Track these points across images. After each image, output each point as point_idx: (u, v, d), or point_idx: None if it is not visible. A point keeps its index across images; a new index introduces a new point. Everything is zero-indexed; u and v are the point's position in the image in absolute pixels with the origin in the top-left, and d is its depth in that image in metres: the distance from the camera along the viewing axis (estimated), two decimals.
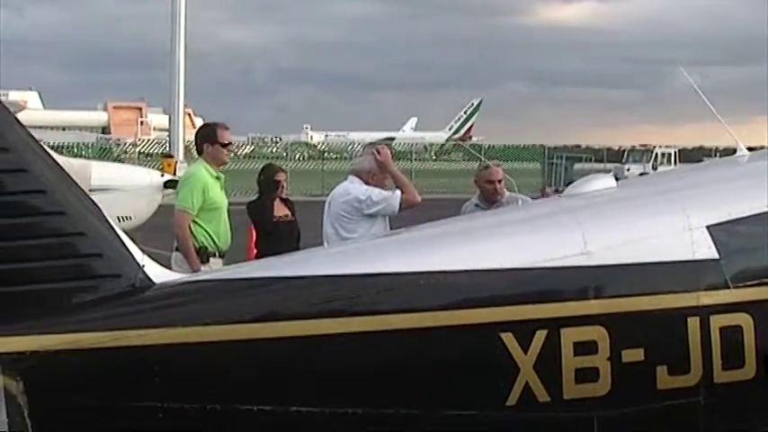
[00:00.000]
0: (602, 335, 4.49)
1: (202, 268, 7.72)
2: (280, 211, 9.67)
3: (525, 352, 4.40)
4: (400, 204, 7.77)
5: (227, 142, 8.50)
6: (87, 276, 4.23)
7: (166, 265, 4.99)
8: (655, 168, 52.31)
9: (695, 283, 4.64)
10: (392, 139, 74.12)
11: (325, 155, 60.96)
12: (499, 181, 8.32)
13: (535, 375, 4.40)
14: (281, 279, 4.43)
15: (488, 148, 56.49)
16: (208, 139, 8.38)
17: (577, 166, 57.41)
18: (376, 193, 7.84)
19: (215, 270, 4.74)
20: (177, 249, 8.16)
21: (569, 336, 4.46)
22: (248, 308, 4.27)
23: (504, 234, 4.87)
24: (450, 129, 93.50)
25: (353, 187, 8.00)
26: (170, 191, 16.13)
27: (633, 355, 4.53)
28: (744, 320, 4.65)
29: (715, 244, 4.69)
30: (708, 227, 4.71)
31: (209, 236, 8.11)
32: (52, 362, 4.02)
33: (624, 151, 58.09)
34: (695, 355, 4.58)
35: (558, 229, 4.75)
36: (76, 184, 4.37)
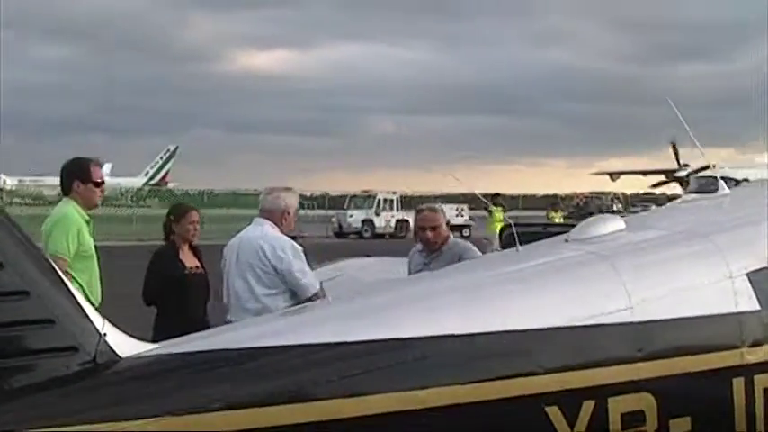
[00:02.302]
0: (650, 403, 3.84)
1: None
2: (190, 261, 8.23)
3: (572, 428, 3.68)
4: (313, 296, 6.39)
5: (100, 181, 7.21)
6: (35, 350, 3.16)
7: None
8: (377, 215, 50.89)
9: (738, 338, 4.08)
10: None
11: (24, 200, 58.89)
12: (433, 228, 7.15)
13: None
14: (292, 348, 3.46)
15: (199, 194, 56.55)
16: (79, 176, 7.04)
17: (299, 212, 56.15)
18: (297, 267, 6.52)
19: (198, 335, 3.69)
20: None
21: (617, 406, 3.78)
22: (264, 387, 3.29)
23: (536, 287, 4.09)
24: (146, 174, 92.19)
25: (275, 237, 6.66)
26: None
27: (680, 425, 3.91)
28: None
29: (755, 293, 4.15)
30: (748, 274, 4.16)
31: (83, 289, 6.82)
32: None
33: (347, 197, 57.00)
34: (740, 421, 4.02)
35: (597, 281, 4.05)
36: (18, 227, 3.29)
